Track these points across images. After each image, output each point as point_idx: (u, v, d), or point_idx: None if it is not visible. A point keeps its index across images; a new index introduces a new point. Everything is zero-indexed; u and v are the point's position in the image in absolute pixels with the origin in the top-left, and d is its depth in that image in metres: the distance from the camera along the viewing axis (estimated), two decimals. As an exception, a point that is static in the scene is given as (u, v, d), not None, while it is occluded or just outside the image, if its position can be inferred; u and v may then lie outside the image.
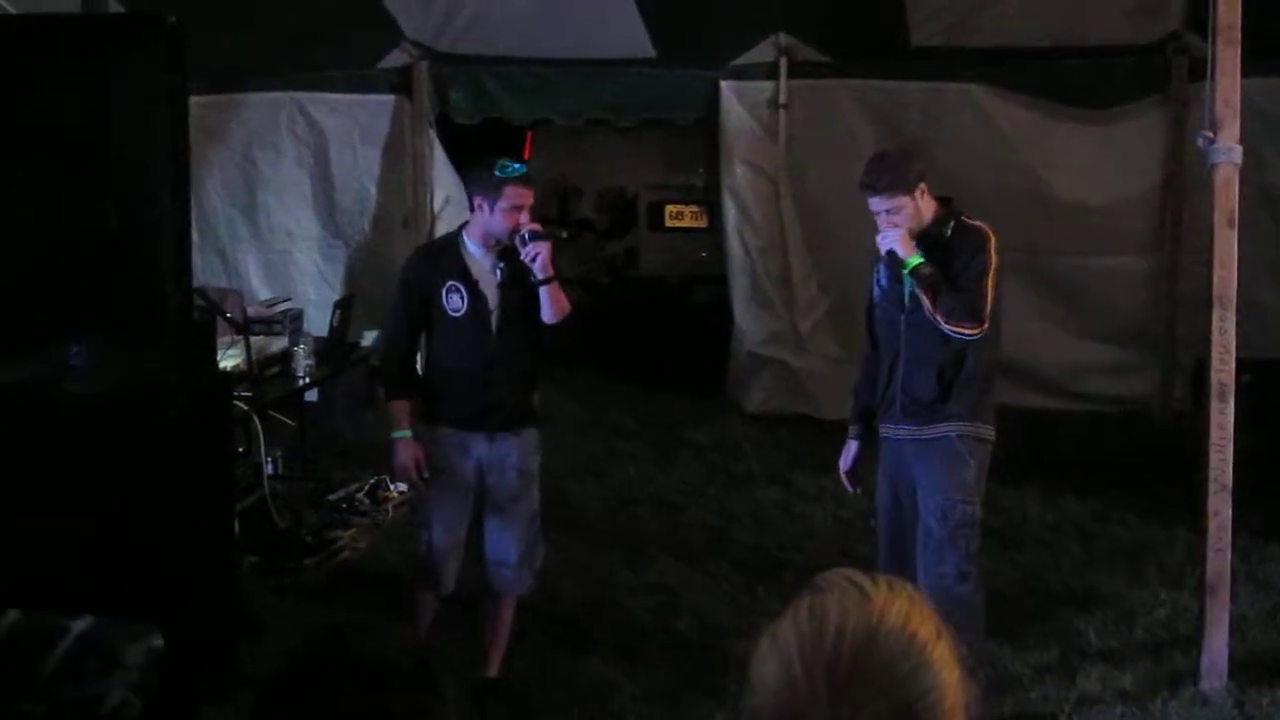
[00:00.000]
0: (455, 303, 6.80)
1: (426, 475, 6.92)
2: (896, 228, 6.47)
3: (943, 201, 6.66)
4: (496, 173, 6.69)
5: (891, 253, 6.49)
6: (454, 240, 6.99)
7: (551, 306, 6.79)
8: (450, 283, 6.80)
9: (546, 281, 6.73)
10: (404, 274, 7.09)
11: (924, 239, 6.51)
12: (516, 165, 6.78)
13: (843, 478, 7.15)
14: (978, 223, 6.62)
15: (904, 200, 6.47)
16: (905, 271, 6.46)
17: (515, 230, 6.68)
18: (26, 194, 6.43)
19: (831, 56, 12.03)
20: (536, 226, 6.74)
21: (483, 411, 6.88)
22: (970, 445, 6.59)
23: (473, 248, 6.85)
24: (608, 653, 7.66)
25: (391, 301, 7.19)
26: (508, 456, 6.95)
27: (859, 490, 7.25)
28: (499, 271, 6.83)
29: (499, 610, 7.13)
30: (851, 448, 7.06)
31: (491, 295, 6.83)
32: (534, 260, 6.67)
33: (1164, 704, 6.98)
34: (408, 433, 6.94)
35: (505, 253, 6.81)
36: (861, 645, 1.89)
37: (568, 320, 6.87)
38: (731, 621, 8.04)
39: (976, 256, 6.48)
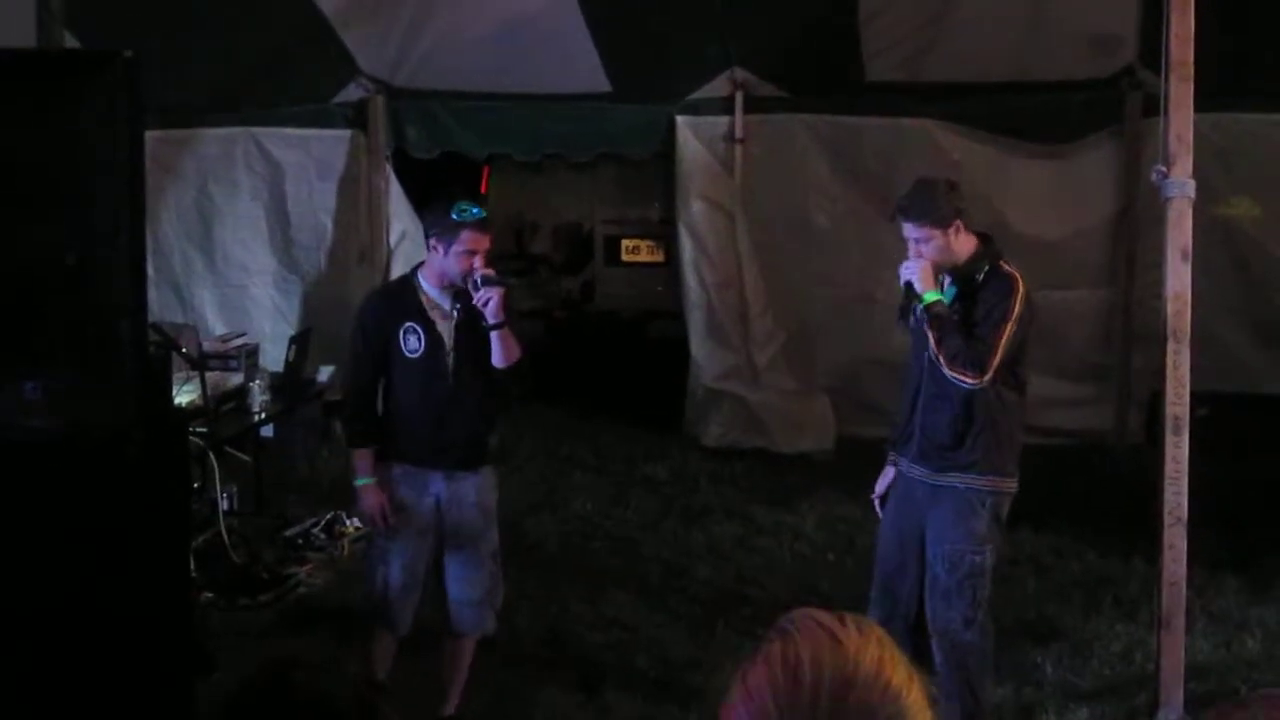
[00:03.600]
0: (412, 344, 6.76)
1: (392, 521, 6.84)
2: (921, 259, 6.39)
3: (982, 239, 6.53)
4: (454, 216, 6.64)
5: (910, 285, 6.41)
6: (410, 281, 6.93)
7: (502, 351, 6.74)
8: (408, 324, 6.76)
9: (498, 327, 6.68)
10: (360, 319, 7.02)
11: (957, 278, 6.44)
12: (475, 210, 6.70)
13: (875, 503, 6.93)
14: (1010, 269, 6.46)
15: (934, 232, 6.36)
16: (920, 306, 6.37)
17: (468, 274, 6.64)
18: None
19: (787, 91, 12.09)
20: (490, 271, 6.68)
21: (439, 450, 6.83)
22: (983, 496, 6.46)
23: (428, 288, 6.81)
24: (565, 687, 7.64)
25: (351, 347, 7.12)
26: (466, 494, 6.90)
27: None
28: (455, 312, 6.79)
29: (459, 650, 7.08)
30: (888, 474, 6.85)
31: (448, 336, 6.79)
32: (486, 305, 6.62)
33: (1120, 737, 7.00)
34: (371, 480, 6.87)
35: (461, 293, 6.75)
36: (839, 695, 1.89)
37: (520, 366, 6.82)
38: (690, 656, 8.03)
39: (999, 305, 6.32)
